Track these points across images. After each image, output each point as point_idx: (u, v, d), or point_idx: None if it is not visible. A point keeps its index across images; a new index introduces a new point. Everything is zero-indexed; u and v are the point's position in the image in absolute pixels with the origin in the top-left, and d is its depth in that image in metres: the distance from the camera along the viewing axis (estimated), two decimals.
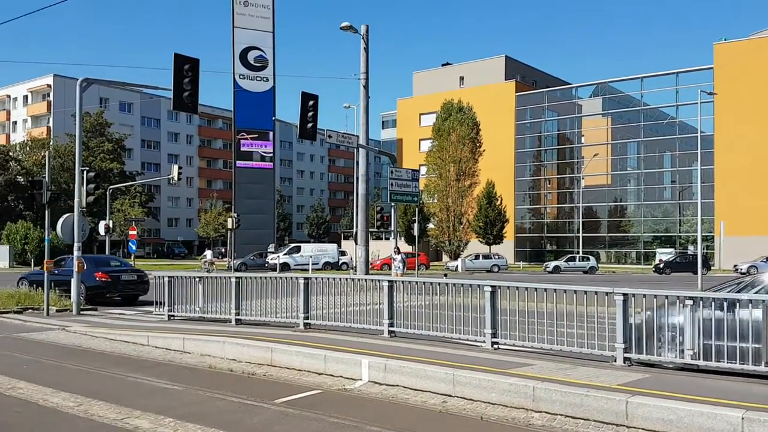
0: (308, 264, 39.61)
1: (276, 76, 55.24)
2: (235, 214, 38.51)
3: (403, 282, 10.95)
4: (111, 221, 38.92)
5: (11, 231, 49.70)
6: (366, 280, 11.95)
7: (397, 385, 7.97)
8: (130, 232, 37.50)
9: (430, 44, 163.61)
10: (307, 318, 11.84)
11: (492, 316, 9.43)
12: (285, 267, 39.82)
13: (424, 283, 10.55)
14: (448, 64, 75.46)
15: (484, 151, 52.16)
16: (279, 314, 12.26)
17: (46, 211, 15.91)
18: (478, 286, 9.69)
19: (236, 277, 13.04)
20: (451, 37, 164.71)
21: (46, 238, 16.12)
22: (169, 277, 14.27)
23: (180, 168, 40.41)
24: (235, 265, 40.64)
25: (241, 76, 53.22)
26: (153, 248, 78.73)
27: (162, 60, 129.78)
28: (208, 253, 39.01)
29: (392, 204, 24.37)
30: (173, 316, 14.15)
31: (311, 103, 20.26)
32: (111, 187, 46.67)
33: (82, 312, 16.04)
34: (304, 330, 11.63)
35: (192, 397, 7.61)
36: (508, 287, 9.40)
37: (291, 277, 12.34)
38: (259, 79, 54.26)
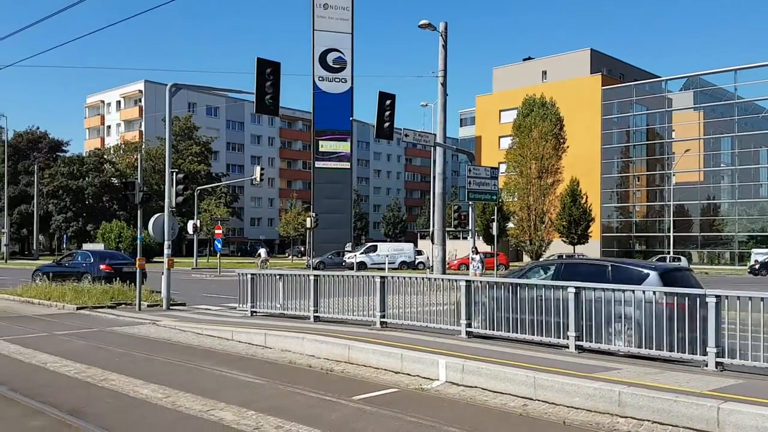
0: (384, 263, 39.80)
1: (354, 76, 55.83)
2: (314, 214, 39.23)
3: (481, 282, 10.76)
4: (198, 221, 40.59)
5: (106, 230, 52.61)
6: (443, 279, 11.84)
7: (475, 387, 7.83)
8: (216, 231, 38.91)
9: (510, 39, 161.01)
10: (383, 316, 11.87)
11: (576, 318, 9.12)
12: (362, 266, 40.18)
13: (503, 283, 10.32)
14: (529, 58, 74.02)
15: (567, 147, 50.72)
16: (356, 312, 12.36)
17: (139, 211, 16.71)
18: (562, 287, 9.39)
19: (315, 276, 13.24)
20: (533, 31, 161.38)
21: (139, 236, 16.93)
22: (251, 274, 14.68)
23: (262, 169, 41.62)
24: (313, 264, 41.40)
25: (320, 78, 54.16)
26: (237, 247, 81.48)
27: (244, 64, 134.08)
28: (263, 252, 40.20)
29: (470, 203, 24.08)
30: (255, 312, 14.54)
31: (388, 102, 20.33)
32: (198, 188, 48.71)
33: (171, 307, 16.74)
34: (380, 328, 11.66)
35: (273, 391, 7.77)
36: (594, 289, 9.06)
37: (368, 276, 12.40)
38: (337, 80, 55.04)
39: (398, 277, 11.97)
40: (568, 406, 7.03)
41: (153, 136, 70.85)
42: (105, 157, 66.82)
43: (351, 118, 55.21)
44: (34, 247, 58.88)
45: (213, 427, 6.31)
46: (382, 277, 11.93)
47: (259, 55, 17.08)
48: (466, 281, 10.73)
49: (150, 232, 16.83)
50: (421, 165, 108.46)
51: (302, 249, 72.47)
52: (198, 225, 38.17)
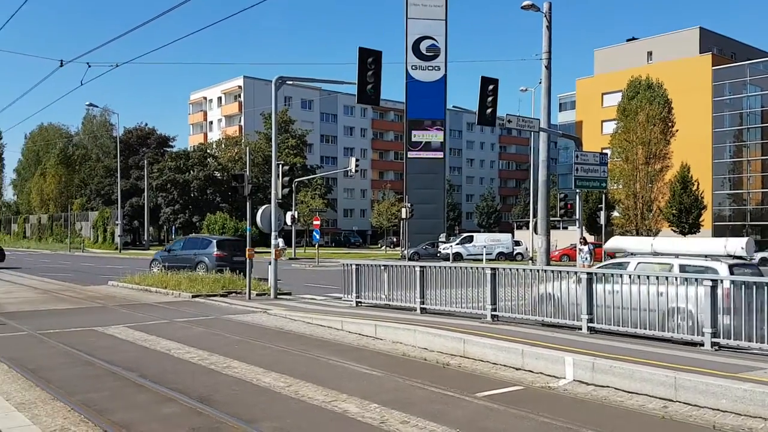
0: (481, 254, 39.19)
1: (447, 63, 55.15)
2: (409, 204, 39.15)
3: (605, 274, 10.16)
4: (296, 212, 41.53)
5: (210, 221, 54.94)
6: (557, 271, 11.31)
7: (607, 386, 7.35)
8: (314, 222, 39.66)
9: (612, 19, 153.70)
10: (494, 309, 11.51)
11: (712, 313, 8.40)
12: (457, 257, 39.75)
13: (630, 275, 9.69)
14: (633, 39, 70.59)
15: (676, 131, 47.82)
16: (464, 304, 12.09)
17: (248, 202, 17.16)
18: (695, 279, 8.69)
19: (420, 267, 13.05)
20: (636, 10, 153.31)
21: (248, 227, 17.38)
22: (356, 265, 14.70)
23: (357, 160, 41.92)
24: (407, 255, 41.37)
25: (413, 67, 53.85)
26: (331, 237, 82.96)
27: (337, 56, 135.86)
28: (280, 241, 40.56)
29: (576, 191, 23.09)
30: (360, 302, 14.55)
31: (491, 87, 19.73)
32: (295, 180, 49.81)
33: (278, 297, 17.09)
34: (491, 322, 11.31)
35: (392, 384, 7.63)
36: (732, 282, 8.31)
37: (477, 268, 12.08)
38: (430, 68, 54.56)
39: (510, 269, 11.55)
40: (713, 409, 6.46)
41: (252, 131, 73.21)
42: (208, 151, 69.69)
43: (445, 107, 54.69)
44: (145, 238, 62.43)
45: (338, 419, 6.23)
46: (493, 269, 11.56)
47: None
48: (587, 274, 10.19)
49: (258, 223, 17.23)
50: (516, 153, 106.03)
51: (394, 240, 72.74)
52: (295, 216, 39.06)
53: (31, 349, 9.79)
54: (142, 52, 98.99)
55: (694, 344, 8.70)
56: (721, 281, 8.62)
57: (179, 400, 6.86)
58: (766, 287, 8.08)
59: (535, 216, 27.39)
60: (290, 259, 44.40)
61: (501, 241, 43.19)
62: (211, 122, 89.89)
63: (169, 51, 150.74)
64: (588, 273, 10.28)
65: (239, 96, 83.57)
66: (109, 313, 14.15)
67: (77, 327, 11.98)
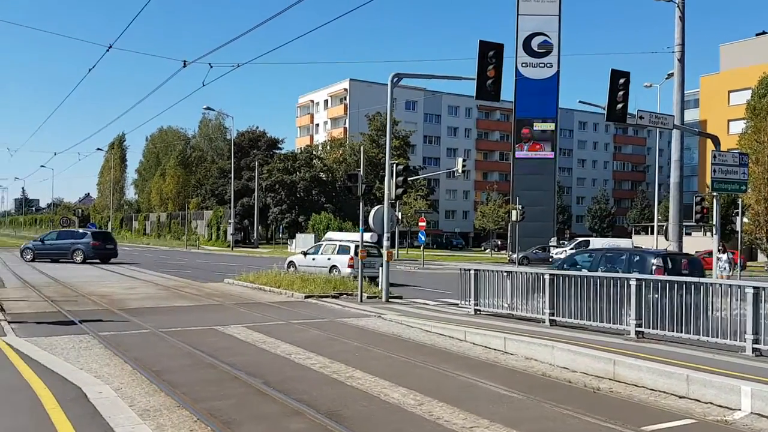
0: None
1: (561, 60, 53.00)
2: (519, 206, 37.61)
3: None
4: (400, 213, 41.13)
5: (316, 221, 55.79)
6: (711, 285, 9.93)
7: None
8: (420, 224, 39.07)
9: (739, 12, 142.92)
10: (639, 325, 10.33)
11: None
12: None
13: None
14: (764, 33, 64.89)
15: None
16: (600, 318, 10.96)
17: (360, 203, 16.75)
18: None
19: (550, 274, 12.02)
20: (765, 3, 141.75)
21: (360, 228, 16.99)
22: (475, 270, 13.87)
23: (464, 160, 40.94)
24: (516, 259, 39.84)
25: (524, 64, 52.13)
26: (432, 239, 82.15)
27: (445, 53, 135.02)
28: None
29: (714, 194, 21.02)
30: (479, 310, 13.72)
31: (622, 81, 18.26)
32: (409, 179, 49.50)
33: (389, 300, 16.55)
34: (636, 339, 10.16)
35: (537, 410, 6.75)
36: None
37: (618, 278, 10.91)
38: (542, 65, 52.62)
39: (659, 280, 10.31)
40: None
41: (356, 132, 73.89)
42: (314, 153, 71.05)
43: (556, 106, 52.53)
44: (255, 237, 64.46)
45: None
46: (638, 280, 10.38)
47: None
48: (754, 288, 8.83)
49: (370, 224, 16.80)
50: (632, 153, 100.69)
51: (498, 243, 70.88)
52: (399, 217, 38.64)
53: (154, 349, 9.73)
54: (257, 54, 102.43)
55: None
56: None
57: (307, 413, 6.34)
58: None
59: (662, 220, 25.27)
60: (394, 260, 44.08)
61: (620, 246, 40.45)
62: (317, 125, 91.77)
63: (283, 52, 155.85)
64: (755, 287, 8.92)
65: (345, 98, 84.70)
66: (227, 312, 14.13)
67: (198, 326, 11.95)
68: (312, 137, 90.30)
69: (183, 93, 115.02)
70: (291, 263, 25.47)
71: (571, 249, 39.56)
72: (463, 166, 39.84)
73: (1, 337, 10.09)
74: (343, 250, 23.52)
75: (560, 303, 11.82)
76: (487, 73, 16.09)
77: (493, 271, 13.56)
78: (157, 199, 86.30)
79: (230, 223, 58.49)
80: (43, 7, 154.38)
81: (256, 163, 63.91)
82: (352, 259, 22.28)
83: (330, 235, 28.93)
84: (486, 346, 10.25)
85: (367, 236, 25.43)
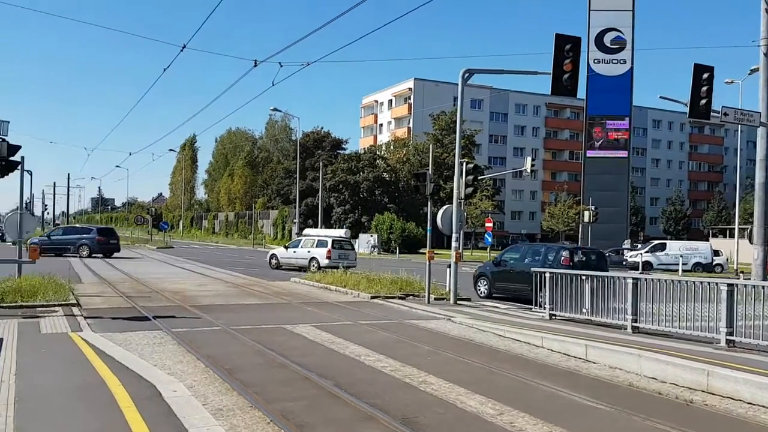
0: (674, 264, 35.48)
1: (634, 55, 51.07)
2: (593, 207, 36.31)
3: None
4: (464, 213, 40.45)
5: (379, 221, 55.81)
6: None
7: None
8: (487, 224, 38.36)
9: None
10: (730, 333, 9.61)
11: None
12: (647, 266, 36.19)
13: None
14: None
15: None
16: (687, 325, 10.29)
17: (429, 202, 16.44)
18: None
19: (633, 278, 11.37)
20: None
21: (428, 228, 16.68)
22: (550, 273, 13.34)
23: (533, 160, 39.91)
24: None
25: (596, 61, 50.47)
26: (498, 240, 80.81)
27: (517, 49, 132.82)
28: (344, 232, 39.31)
29: None
30: (554, 315, 13.19)
31: (705, 76, 17.34)
32: (479, 178, 48.84)
33: (458, 302, 16.16)
34: (726, 348, 9.45)
35: (626, 423, 6.28)
36: None
37: (707, 282, 10.20)
38: (615, 62, 50.84)
39: (753, 286, 9.57)
40: None
41: (420, 132, 73.55)
42: (377, 153, 71.13)
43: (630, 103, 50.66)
44: None
45: None
46: (729, 285, 9.67)
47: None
48: None
49: (438, 224, 16.45)
50: (708, 153, 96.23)
51: (566, 244, 68.99)
52: (465, 217, 37.98)
53: (226, 347, 9.71)
54: (323, 54, 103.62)
55: None
56: None
57: (380, 419, 6.08)
58: None
59: (742, 223, 23.79)
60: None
61: (698, 250, 38.62)
62: (381, 125, 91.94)
63: (349, 51, 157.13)
64: None
65: (409, 98, 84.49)
66: (295, 311, 14.10)
67: (267, 324, 11.92)
68: (375, 137, 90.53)
69: (251, 94, 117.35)
70: (273, 255, 28.61)
71: (646, 252, 37.97)
72: (532, 165, 38.83)
73: (78, 332, 10.31)
74: (321, 243, 26.25)
75: (644, 308, 11.18)
76: (564, 67, 15.55)
77: (570, 274, 12.97)
78: (225, 198, 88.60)
79: (295, 223, 59.24)
80: (119, 8, 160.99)
81: (321, 164, 64.54)
82: (329, 251, 25.52)
83: (308, 231, 33.09)
84: (565, 354, 9.74)
85: (341, 232, 28.09)
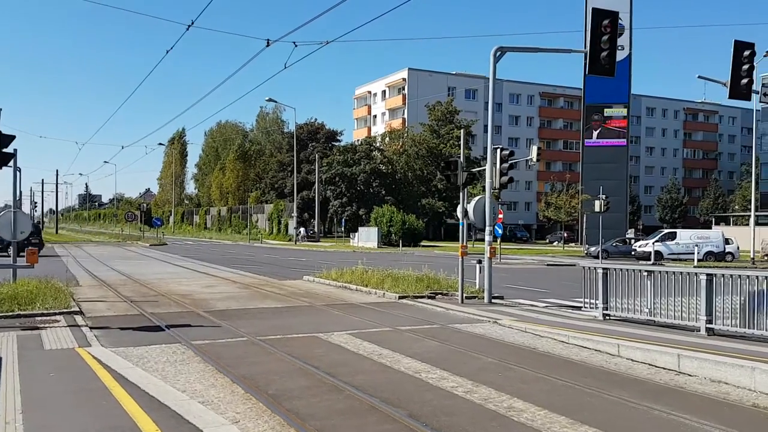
0: (686, 253, 34.57)
1: (633, 42, 49.99)
2: (604, 196, 35.15)
3: None
4: (498, 205, 39.14)
5: (378, 214, 54.37)
6: None
7: None
8: (498, 216, 37.05)
9: None
10: None
11: None
12: (658, 256, 35.18)
13: None
14: None
15: None
16: None
17: (461, 192, 15.17)
18: None
19: (707, 273, 10.15)
20: None
21: (461, 222, 15.42)
22: (604, 268, 12.14)
23: (539, 148, 38.68)
24: (594, 253, 37.50)
25: None
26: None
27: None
28: (302, 230, 38.46)
29: None
30: (609, 315, 12.00)
31: (747, 53, 16.27)
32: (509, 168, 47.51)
33: (492, 301, 14.94)
34: None
35: None
36: None
37: None
38: None
39: None
40: None
41: (415, 123, 72.19)
42: (373, 145, 69.68)
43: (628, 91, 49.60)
44: (316, 230, 63.66)
45: None
46: None
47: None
48: None
49: (470, 217, 15.20)
50: (703, 140, 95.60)
51: (565, 235, 68.10)
52: (498, 209, 36.78)
53: (261, 364, 8.40)
54: (331, 36, 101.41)
55: None
56: None
57: None
58: None
59: (740, 210, 22.74)
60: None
61: (710, 238, 37.63)
62: (375, 116, 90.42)
63: (365, 31, 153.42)
64: None
65: (403, 88, 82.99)
66: (321, 315, 12.82)
67: (297, 333, 10.62)
68: (369, 129, 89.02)
69: (245, 88, 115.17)
70: None
71: (656, 241, 36.96)
72: (538, 154, 37.59)
73: (86, 348, 9.00)
74: None
75: (720, 307, 10.01)
76: (602, 44, 14.43)
77: (627, 270, 11.78)
78: (217, 193, 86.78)
79: (292, 217, 57.81)
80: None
81: (316, 156, 63.06)
82: None
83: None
84: (650, 364, 8.51)
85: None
